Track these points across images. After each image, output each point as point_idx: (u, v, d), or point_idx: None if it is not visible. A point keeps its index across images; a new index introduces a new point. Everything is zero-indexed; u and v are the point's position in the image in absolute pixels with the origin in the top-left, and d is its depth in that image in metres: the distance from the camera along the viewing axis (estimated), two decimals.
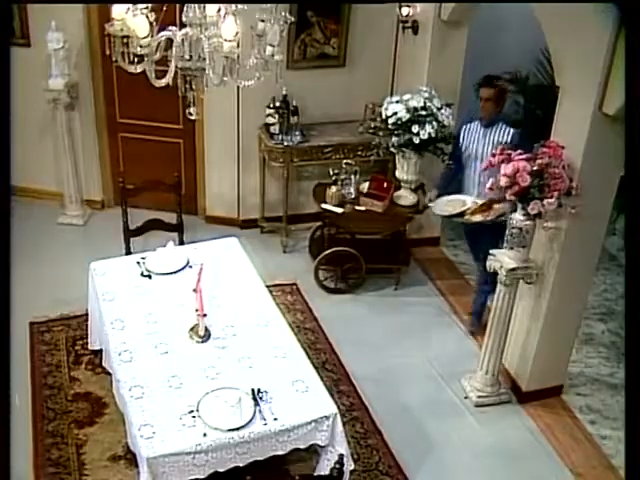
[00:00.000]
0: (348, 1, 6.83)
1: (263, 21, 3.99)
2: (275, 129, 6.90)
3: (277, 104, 6.84)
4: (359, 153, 7.02)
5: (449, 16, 6.29)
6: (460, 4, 6.19)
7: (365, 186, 6.63)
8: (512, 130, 5.85)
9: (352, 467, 4.40)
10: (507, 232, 5.08)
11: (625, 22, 4.15)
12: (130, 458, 4.65)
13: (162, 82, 4.05)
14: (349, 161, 6.62)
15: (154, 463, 3.92)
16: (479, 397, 5.65)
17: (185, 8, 3.89)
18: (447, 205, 5.97)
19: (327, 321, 6.21)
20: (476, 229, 5.97)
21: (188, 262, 5.39)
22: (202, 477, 4.04)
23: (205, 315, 4.69)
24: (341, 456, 3.84)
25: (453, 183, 6.23)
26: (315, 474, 4.41)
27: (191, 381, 4.38)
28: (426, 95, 6.22)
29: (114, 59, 3.99)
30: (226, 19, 3.77)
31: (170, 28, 3.95)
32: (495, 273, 5.28)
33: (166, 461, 3.94)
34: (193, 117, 4.20)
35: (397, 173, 6.57)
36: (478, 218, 5.62)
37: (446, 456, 5.22)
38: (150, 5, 3.89)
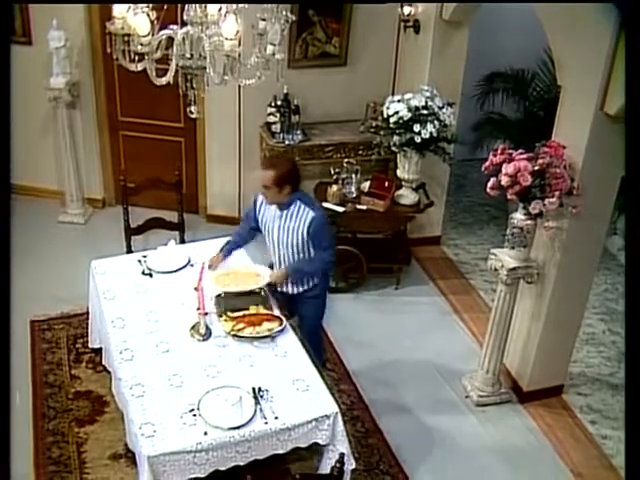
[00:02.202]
0: (350, 1, 6.83)
1: (264, 20, 3.99)
2: (276, 128, 6.90)
3: (278, 103, 6.84)
4: (360, 152, 7.02)
5: (450, 15, 6.29)
6: (461, 3, 6.18)
7: (366, 185, 6.63)
8: (312, 214, 4.77)
9: (353, 466, 4.39)
10: (508, 231, 5.08)
11: (625, 22, 4.15)
12: (131, 457, 4.65)
13: (163, 80, 4.05)
14: (350, 160, 6.62)
15: (155, 462, 3.92)
16: (480, 396, 5.65)
17: (186, 7, 3.90)
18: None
19: (328, 320, 6.19)
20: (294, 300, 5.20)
21: (189, 261, 5.38)
22: (203, 476, 4.04)
23: (206, 314, 4.69)
24: (342, 455, 3.84)
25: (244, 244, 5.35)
26: (316, 473, 4.41)
27: (192, 380, 4.37)
28: (427, 94, 6.22)
29: (115, 57, 4.00)
30: (227, 18, 3.77)
31: (171, 27, 3.96)
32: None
33: (167, 460, 3.94)
34: (194, 116, 4.21)
35: (398, 172, 6.58)
36: (247, 332, 4.71)
37: (447, 456, 5.22)
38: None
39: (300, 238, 4.84)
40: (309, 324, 5.14)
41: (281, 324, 4.75)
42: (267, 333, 4.69)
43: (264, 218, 4.97)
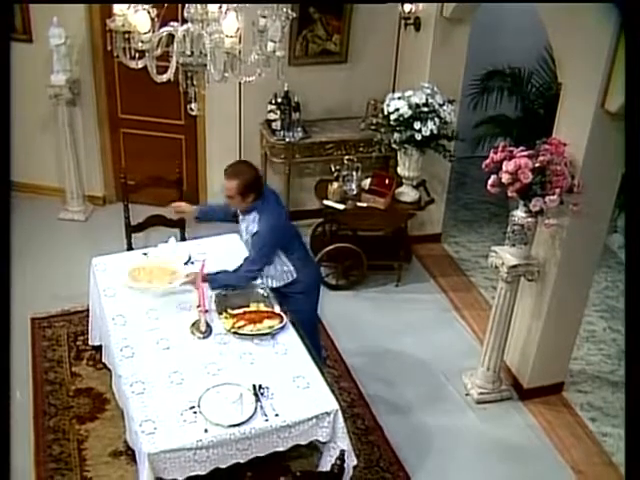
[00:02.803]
0: (351, 1, 6.82)
1: (265, 17, 3.99)
2: (277, 125, 6.90)
3: (279, 100, 6.83)
4: (361, 149, 7.02)
5: (451, 13, 6.28)
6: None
7: (367, 182, 6.63)
8: (257, 229, 4.82)
9: (355, 463, 4.39)
10: (509, 229, 5.08)
11: (625, 22, 4.14)
12: (131, 454, 4.65)
13: (163, 78, 4.05)
14: (351, 157, 6.61)
15: (155, 459, 3.92)
16: (480, 394, 5.65)
17: (186, 4, 3.89)
18: None
19: (328, 317, 6.20)
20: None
21: (190, 258, 5.38)
22: (203, 473, 4.04)
23: (207, 311, 4.69)
24: (342, 452, 3.84)
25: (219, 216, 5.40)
26: (316, 470, 4.41)
27: (192, 377, 4.37)
28: (428, 91, 6.22)
29: (115, 55, 4.00)
30: (228, 15, 3.77)
31: (171, 24, 3.96)
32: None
33: (167, 457, 3.94)
34: (194, 113, 4.21)
35: (399, 169, 6.57)
36: (248, 329, 4.70)
37: (447, 453, 5.22)
38: None
39: (248, 245, 5.03)
40: (299, 320, 5.07)
41: (282, 321, 4.75)
42: (267, 330, 4.69)
43: (239, 217, 5.08)
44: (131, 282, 4.94)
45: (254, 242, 4.90)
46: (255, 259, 4.92)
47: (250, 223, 4.90)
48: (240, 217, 5.04)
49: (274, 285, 5.09)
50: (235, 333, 4.67)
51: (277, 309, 4.88)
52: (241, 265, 4.94)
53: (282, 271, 5.04)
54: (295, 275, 5.07)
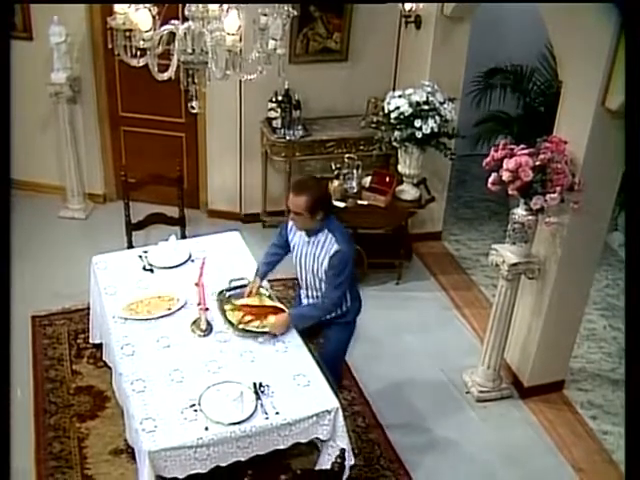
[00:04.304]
0: (351, 1, 6.82)
1: (265, 15, 3.99)
2: (277, 123, 6.89)
3: (279, 98, 6.83)
4: (361, 147, 7.01)
5: (452, 11, 6.28)
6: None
7: (367, 180, 6.63)
8: (337, 247, 4.47)
9: (352, 462, 4.39)
10: (509, 227, 5.08)
11: (624, 22, 4.14)
12: (131, 452, 4.65)
13: (164, 76, 4.05)
14: (351, 155, 6.60)
15: (156, 457, 3.92)
16: (481, 392, 5.65)
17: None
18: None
19: None
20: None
21: (190, 256, 5.38)
22: (204, 471, 4.04)
23: (207, 309, 4.69)
24: (342, 451, 3.84)
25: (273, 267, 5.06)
26: (316, 468, 4.41)
27: (193, 375, 4.37)
28: (429, 89, 6.22)
29: (116, 53, 4.00)
30: (229, 13, 3.77)
31: (173, 22, 3.96)
32: None
33: (168, 455, 3.94)
34: (195, 111, 4.20)
35: (399, 167, 6.57)
36: (253, 325, 4.66)
37: (447, 451, 5.23)
38: None
39: (323, 269, 4.57)
40: (333, 348, 4.87)
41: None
42: (272, 329, 4.66)
43: (293, 242, 4.74)
44: (130, 316, 4.80)
45: (334, 266, 4.49)
46: (338, 285, 4.54)
47: (324, 243, 4.53)
48: (300, 240, 4.68)
49: (327, 317, 4.79)
50: (243, 330, 4.63)
51: (279, 304, 4.86)
52: (323, 298, 4.66)
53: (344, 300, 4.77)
54: (348, 305, 4.80)
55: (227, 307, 4.77)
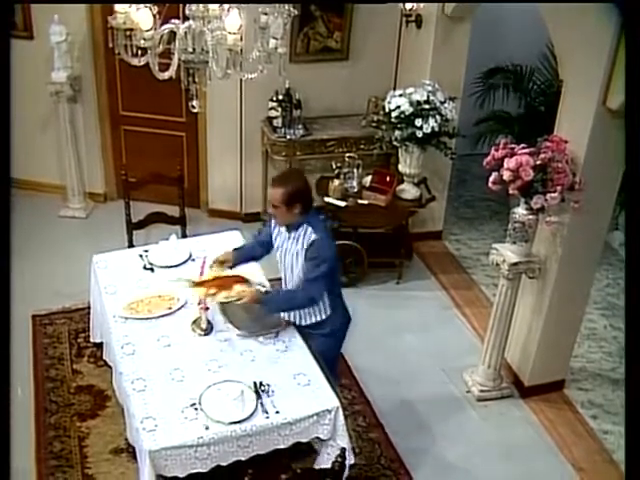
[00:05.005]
0: (352, 1, 6.82)
1: (266, 14, 3.99)
2: (278, 122, 6.89)
3: (280, 97, 6.82)
4: (362, 147, 7.01)
5: (452, 11, 6.28)
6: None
7: (368, 180, 6.63)
8: (314, 237, 4.40)
9: (353, 461, 4.39)
10: (510, 226, 5.08)
11: (625, 22, 4.14)
12: (132, 451, 4.65)
13: (165, 75, 4.05)
14: (352, 155, 6.61)
15: (156, 456, 3.92)
16: (481, 391, 5.66)
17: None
18: None
19: None
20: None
21: (190, 255, 5.38)
22: (204, 471, 4.04)
23: (207, 308, 4.68)
24: (343, 450, 3.84)
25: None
26: (317, 468, 4.41)
27: (193, 374, 4.38)
28: (429, 89, 6.22)
29: (117, 52, 4.00)
30: (230, 12, 3.77)
31: (173, 21, 3.96)
32: None
33: (168, 454, 3.94)
34: (196, 110, 4.21)
35: (400, 167, 6.57)
36: (221, 297, 4.55)
37: (448, 450, 5.23)
38: None
39: (300, 264, 4.51)
40: (323, 359, 4.62)
41: (250, 284, 4.61)
42: (240, 296, 4.49)
43: (276, 241, 4.68)
44: (131, 315, 4.80)
45: (311, 257, 4.41)
46: (314, 279, 4.41)
47: (302, 237, 4.45)
48: (282, 237, 4.62)
49: (302, 323, 4.71)
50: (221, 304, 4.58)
51: (240, 274, 4.69)
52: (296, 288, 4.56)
53: (319, 307, 4.64)
54: (327, 314, 4.67)
55: (189, 286, 4.60)
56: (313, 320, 4.69)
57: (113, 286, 5.08)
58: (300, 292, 4.52)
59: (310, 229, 4.44)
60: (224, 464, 4.08)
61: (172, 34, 3.97)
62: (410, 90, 6.22)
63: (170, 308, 4.85)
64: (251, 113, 7.08)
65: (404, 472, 5.01)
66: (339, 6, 6.87)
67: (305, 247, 4.43)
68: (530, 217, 4.96)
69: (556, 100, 5.13)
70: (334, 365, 4.91)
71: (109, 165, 7.65)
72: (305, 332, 4.74)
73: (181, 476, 4.02)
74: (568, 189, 4.74)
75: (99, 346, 5.48)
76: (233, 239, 5.62)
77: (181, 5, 4.02)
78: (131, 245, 5.89)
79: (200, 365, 4.44)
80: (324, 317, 4.68)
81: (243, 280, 4.63)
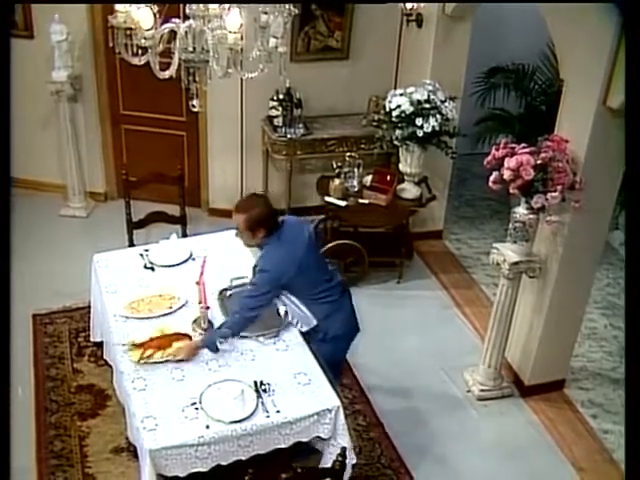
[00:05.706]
0: (352, 1, 6.82)
1: (267, 13, 3.99)
2: (278, 122, 6.89)
3: (280, 97, 6.82)
4: (362, 146, 7.01)
5: (453, 10, 6.28)
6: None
7: (368, 179, 6.63)
8: (256, 261, 4.60)
9: (354, 460, 4.39)
10: (510, 226, 5.08)
11: (625, 22, 4.14)
12: (132, 450, 4.66)
13: (165, 74, 4.05)
14: (352, 154, 6.61)
15: (157, 455, 3.92)
16: (481, 391, 5.66)
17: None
18: None
19: None
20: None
21: (191, 254, 5.38)
22: (205, 470, 4.04)
23: (208, 308, 4.68)
24: (343, 449, 3.84)
25: None
26: (317, 467, 4.41)
27: (194, 373, 4.38)
28: (430, 88, 6.22)
29: (117, 51, 4.00)
30: (231, 11, 3.77)
31: (174, 20, 3.97)
32: None
33: (169, 453, 3.94)
34: (196, 109, 4.22)
35: (400, 166, 6.57)
36: (157, 356, 4.43)
37: (448, 449, 5.23)
38: None
39: None
40: (325, 363, 4.61)
41: (190, 339, 4.57)
42: (176, 353, 4.43)
43: None
44: (132, 314, 4.79)
45: (253, 275, 4.60)
46: (252, 295, 4.49)
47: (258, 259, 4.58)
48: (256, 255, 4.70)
49: (302, 329, 4.74)
50: (145, 364, 4.41)
51: (186, 330, 4.64)
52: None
53: (304, 315, 4.69)
54: (315, 322, 4.69)
55: (126, 348, 4.50)
56: (306, 328, 4.73)
57: (114, 285, 5.08)
58: (238, 311, 4.52)
59: (263, 252, 4.53)
60: (224, 463, 4.09)
61: (172, 33, 3.97)
62: (411, 89, 6.22)
63: (171, 307, 4.85)
64: (252, 112, 7.08)
65: (404, 471, 5.01)
66: (340, 5, 6.87)
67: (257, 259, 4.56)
68: (531, 216, 4.96)
69: (557, 100, 5.13)
70: (336, 370, 4.87)
71: (110, 164, 7.65)
72: (308, 339, 4.76)
73: (182, 475, 4.02)
74: (569, 188, 4.74)
75: (99, 345, 5.47)
76: (233, 238, 5.60)
77: (181, 4, 4.02)
78: (132, 244, 5.89)
79: (200, 364, 4.44)
80: (312, 325, 4.70)
81: (184, 336, 4.58)
